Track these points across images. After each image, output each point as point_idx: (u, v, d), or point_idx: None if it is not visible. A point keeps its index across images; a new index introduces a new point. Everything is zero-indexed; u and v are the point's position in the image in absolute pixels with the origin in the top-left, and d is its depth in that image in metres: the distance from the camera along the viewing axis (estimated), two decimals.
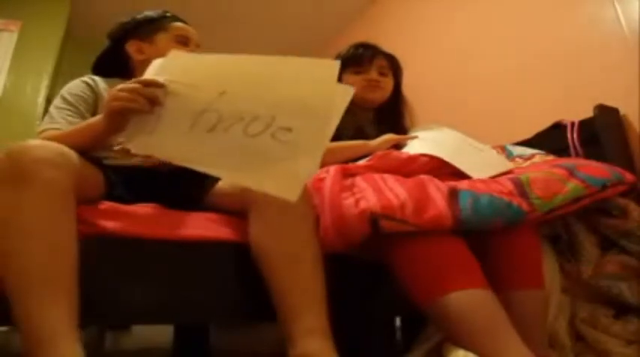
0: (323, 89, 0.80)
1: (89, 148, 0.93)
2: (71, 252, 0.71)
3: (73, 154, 0.78)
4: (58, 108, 1.08)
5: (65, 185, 0.73)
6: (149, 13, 1.24)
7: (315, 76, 0.81)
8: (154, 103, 0.81)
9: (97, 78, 1.16)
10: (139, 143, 0.81)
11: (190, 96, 0.80)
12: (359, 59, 1.39)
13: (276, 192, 0.75)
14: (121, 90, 0.81)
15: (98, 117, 0.90)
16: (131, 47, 1.19)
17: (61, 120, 1.04)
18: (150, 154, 0.91)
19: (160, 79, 0.82)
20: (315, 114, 0.78)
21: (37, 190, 0.69)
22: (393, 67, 1.46)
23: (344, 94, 0.82)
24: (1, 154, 0.73)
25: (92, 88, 1.13)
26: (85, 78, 1.15)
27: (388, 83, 1.43)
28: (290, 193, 0.73)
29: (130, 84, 0.82)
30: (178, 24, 1.22)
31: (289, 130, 0.77)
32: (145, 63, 1.12)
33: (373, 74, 1.38)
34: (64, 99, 1.09)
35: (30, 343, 0.64)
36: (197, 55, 0.95)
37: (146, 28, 1.20)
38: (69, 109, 1.07)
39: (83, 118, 1.06)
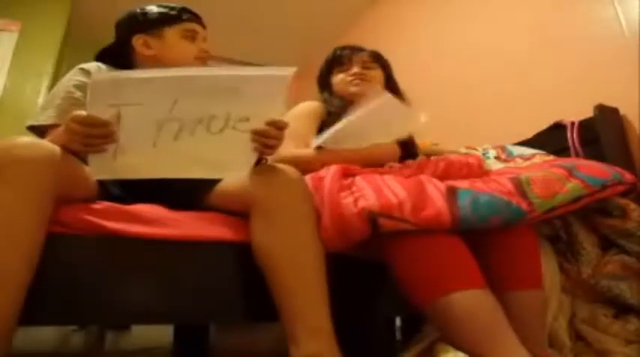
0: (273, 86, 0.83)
1: None
2: (28, 248, 0.70)
3: (55, 153, 0.76)
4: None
5: (40, 184, 0.72)
6: (159, 6, 1.17)
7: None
8: (109, 140, 0.78)
9: (102, 66, 1.11)
10: (103, 170, 0.82)
11: (144, 113, 0.79)
12: (340, 59, 1.44)
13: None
14: (74, 133, 0.77)
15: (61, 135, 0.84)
16: (137, 41, 1.14)
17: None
18: (118, 177, 0.91)
19: (108, 110, 0.77)
20: (267, 100, 0.83)
21: (8, 188, 0.69)
22: (378, 60, 1.47)
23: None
24: None
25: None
26: (88, 67, 1.08)
27: (375, 76, 1.42)
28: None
29: (80, 128, 0.77)
30: (187, 17, 1.17)
31: (247, 119, 0.83)
32: (152, 59, 1.12)
33: (355, 69, 1.40)
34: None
35: None
36: (127, 73, 0.89)
37: (155, 23, 1.14)
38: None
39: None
